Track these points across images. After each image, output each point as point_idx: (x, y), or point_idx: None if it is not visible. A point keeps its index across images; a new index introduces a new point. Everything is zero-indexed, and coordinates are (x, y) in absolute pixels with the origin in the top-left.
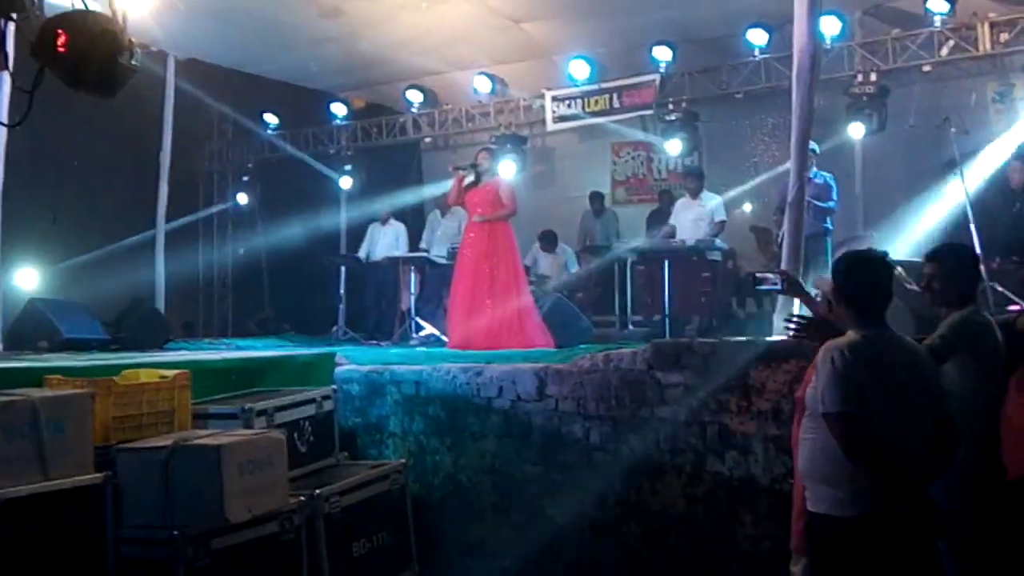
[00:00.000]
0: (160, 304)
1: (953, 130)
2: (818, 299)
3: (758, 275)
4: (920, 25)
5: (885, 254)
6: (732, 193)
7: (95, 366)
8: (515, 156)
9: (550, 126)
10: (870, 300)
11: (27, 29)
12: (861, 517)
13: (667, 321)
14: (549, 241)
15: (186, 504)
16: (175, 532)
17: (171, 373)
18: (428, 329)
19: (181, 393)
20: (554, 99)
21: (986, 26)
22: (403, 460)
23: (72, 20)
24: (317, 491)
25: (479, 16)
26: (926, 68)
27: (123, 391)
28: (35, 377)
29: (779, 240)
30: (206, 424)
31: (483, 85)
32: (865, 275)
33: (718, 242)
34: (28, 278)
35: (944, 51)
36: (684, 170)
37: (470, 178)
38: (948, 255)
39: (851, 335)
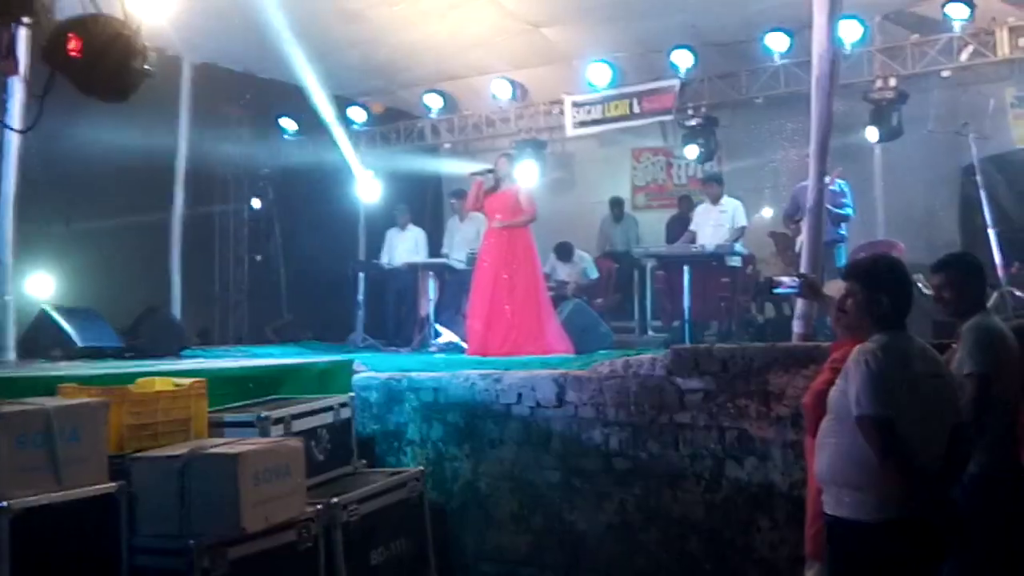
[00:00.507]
0: (176, 311)
1: (972, 135)
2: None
3: (774, 279)
4: (939, 30)
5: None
6: (752, 198)
7: (109, 374)
8: (535, 161)
9: (570, 131)
10: (896, 304)
11: (39, 34)
12: (888, 522)
13: (687, 327)
14: (564, 252)
15: (202, 513)
16: (191, 541)
17: (187, 381)
18: (447, 336)
19: (197, 401)
20: (574, 104)
21: (1005, 31)
22: (421, 467)
23: (84, 25)
24: (335, 499)
25: (498, 21)
26: (945, 73)
27: (138, 400)
28: (49, 386)
29: (796, 246)
30: (222, 433)
31: (502, 90)
32: (892, 279)
33: (738, 247)
34: (42, 285)
35: (963, 56)
36: (704, 176)
37: (489, 184)
38: (955, 264)
39: (881, 337)
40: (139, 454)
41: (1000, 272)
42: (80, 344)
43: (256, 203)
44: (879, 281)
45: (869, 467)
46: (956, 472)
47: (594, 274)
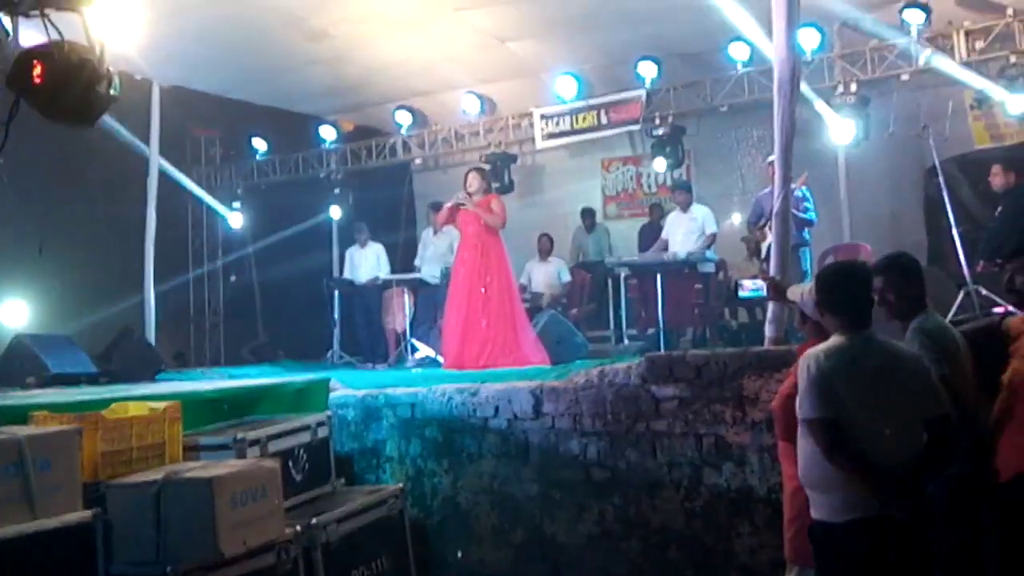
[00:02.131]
0: (150, 334)
1: (932, 138)
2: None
3: (739, 282)
4: (897, 35)
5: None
6: (721, 205)
7: (83, 401)
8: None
9: (539, 143)
10: (849, 309)
11: (2, 60)
12: (853, 522)
13: (661, 334)
14: (547, 242)
15: (179, 539)
16: (168, 568)
17: (161, 405)
18: (423, 350)
19: (172, 425)
20: (542, 117)
21: (961, 34)
22: (400, 484)
23: (49, 51)
24: (314, 520)
25: (465, 36)
26: (904, 77)
27: (112, 425)
28: (21, 414)
29: (761, 252)
30: (198, 456)
31: (471, 105)
32: (844, 285)
33: (709, 254)
34: (15, 313)
35: (921, 60)
36: (673, 184)
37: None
38: (893, 266)
39: (832, 340)
40: (114, 481)
41: (966, 271)
42: (54, 371)
43: (233, 222)
44: (833, 285)
45: (828, 469)
46: (934, 466)
47: (567, 277)
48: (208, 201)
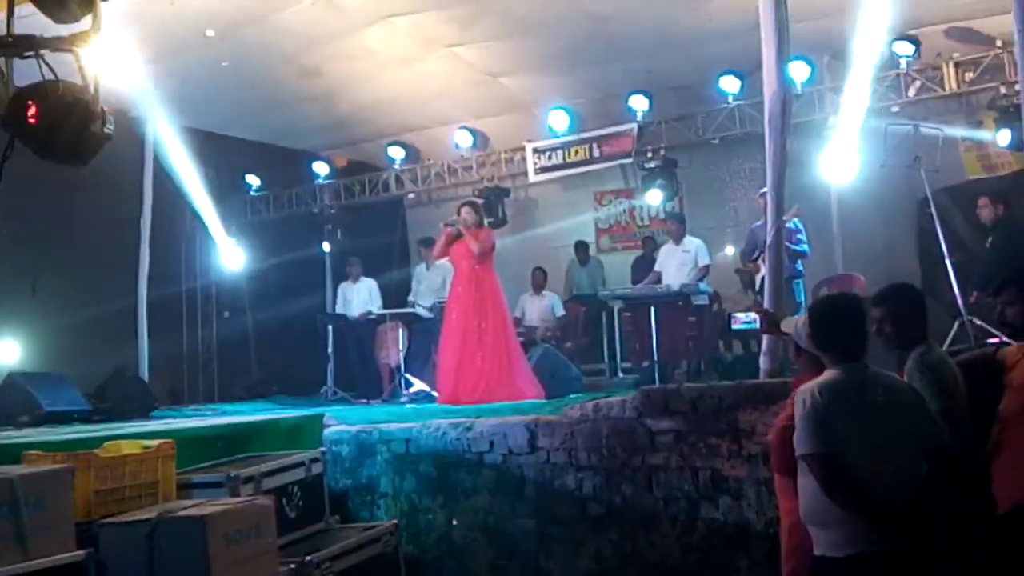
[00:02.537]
0: (144, 372)
1: (924, 169)
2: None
3: (732, 315)
4: (887, 67)
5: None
6: (714, 237)
7: (76, 439)
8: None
9: (532, 177)
10: (843, 342)
11: None
12: (855, 557)
13: (656, 367)
14: (541, 276)
15: None
16: None
17: (154, 443)
18: (418, 385)
19: (165, 463)
20: (535, 151)
21: (951, 66)
22: (395, 521)
23: (43, 91)
24: (308, 557)
25: (457, 72)
26: (895, 109)
27: (105, 464)
28: (14, 454)
29: (756, 284)
30: (191, 494)
31: (464, 139)
32: (837, 319)
33: (703, 286)
34: (8, 351)
35: (911, 92)
36: (666, 216)
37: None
38: (895, 296)
39: (827, 374)
40: (107, 520)
41: (960, 301)
42: (47, 409)
43: (225, 261)
44: (826, 318)
45: (829, 504)
46: (934, 497)
47: (561, 311)
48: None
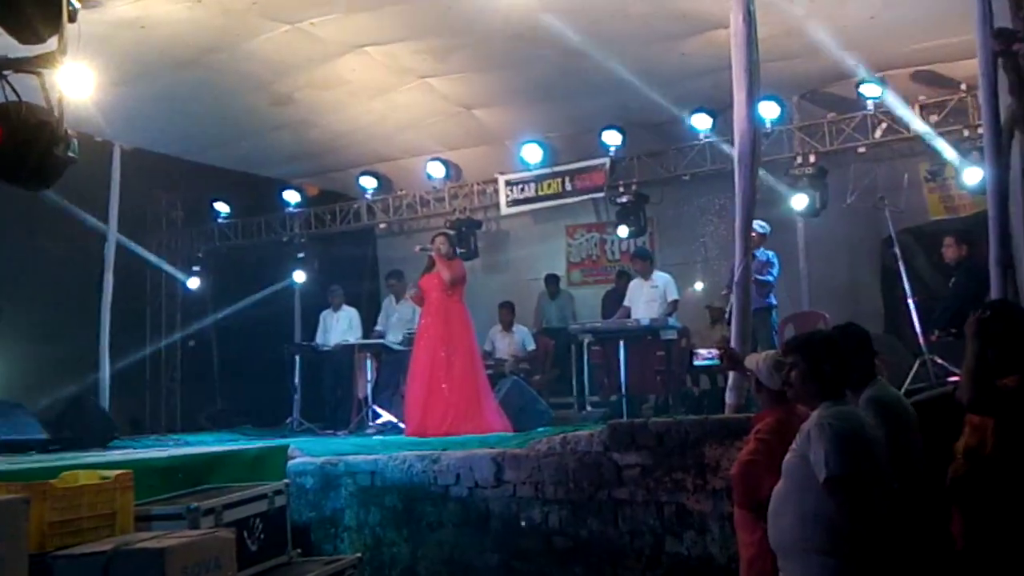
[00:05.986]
0: (105, 400)
1: (888, 208)
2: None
3: (693, 351)
4: (854, 108)
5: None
6: (684, 272)
7: (32, 469)
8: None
9: (504, 210)
10: (836, 374)
11: None
12: None
13: (624, 401)
14: (508, 312)
15: None
16: None
17: (112, 473)
18: (385, 416)
19: (123, 495)
20: (507, 183)
21: (916, 108)
22: (359, 555)
23: (7, 113)
24: None
25: (431, 103)
26: (861, 149)
27: (60, 495)
28: None
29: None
30: (150, 526)
31: (436, 170)
32: (838, 354)
33: (672, 321)
34: None
35: (878, 133)
36: (633, 252)
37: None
38: (841, 337)
39: (831, 406)
40: (61, 551)
41: (921, 340)
42: (2, 438)
43: (193, 283)
44: (819, 353)
45: (836, 530)
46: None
47: (531, 345)
48: (165, 268)
